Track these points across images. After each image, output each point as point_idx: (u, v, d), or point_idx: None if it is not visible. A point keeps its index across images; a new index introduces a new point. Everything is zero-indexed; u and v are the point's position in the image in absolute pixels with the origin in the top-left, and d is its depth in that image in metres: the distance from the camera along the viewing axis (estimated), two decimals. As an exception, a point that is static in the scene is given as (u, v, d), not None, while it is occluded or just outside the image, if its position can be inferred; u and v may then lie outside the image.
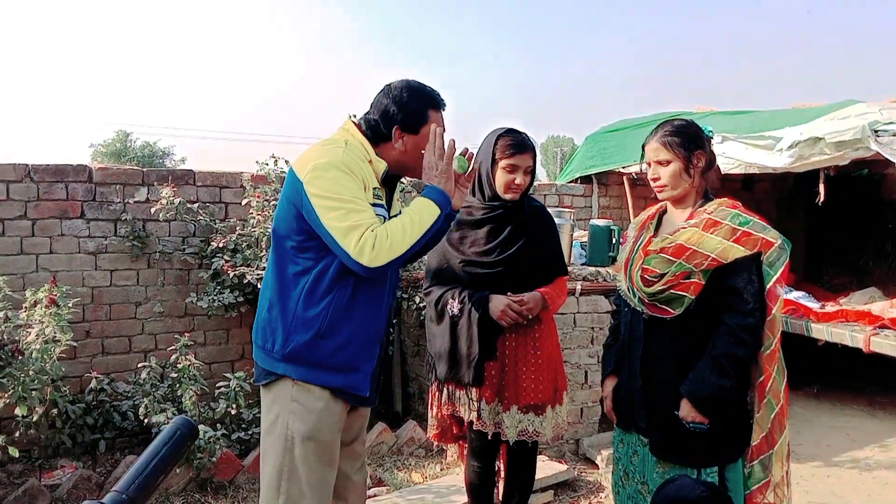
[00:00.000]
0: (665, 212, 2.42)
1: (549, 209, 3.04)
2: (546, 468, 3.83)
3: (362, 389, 2.14)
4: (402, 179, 4.93)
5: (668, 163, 2.27)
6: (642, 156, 2.39)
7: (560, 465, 3.93)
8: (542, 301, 2.71)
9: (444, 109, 2.25)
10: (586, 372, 4.37)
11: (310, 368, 2.08)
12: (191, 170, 4.55)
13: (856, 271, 6.49)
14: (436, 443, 3.14)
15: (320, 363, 2.08)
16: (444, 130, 2.20)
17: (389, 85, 2.22)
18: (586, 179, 6.49)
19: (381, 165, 2.16)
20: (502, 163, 2.67)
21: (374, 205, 2.08)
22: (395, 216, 2.33)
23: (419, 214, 2.03)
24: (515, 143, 2.67)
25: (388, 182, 2.25)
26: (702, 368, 2.16)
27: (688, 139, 2.28)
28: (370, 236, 1.95)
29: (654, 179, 2.32)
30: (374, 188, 2.12)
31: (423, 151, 2.15)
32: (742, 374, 2.19)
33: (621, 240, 2.64)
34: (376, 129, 2.18)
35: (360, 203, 2.01)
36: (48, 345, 3.45)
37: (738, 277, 2.15)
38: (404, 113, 2.15)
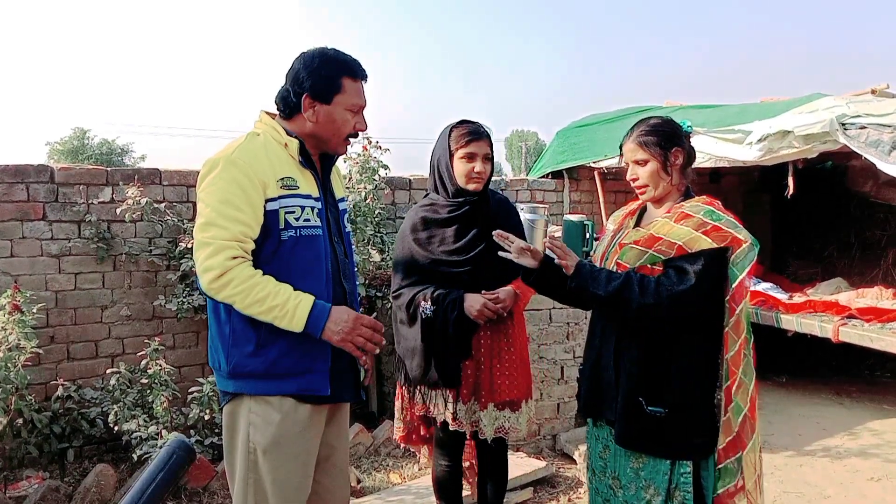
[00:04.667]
0: (646, 209, 2.42)
1: (523, 204, 3.01)
2: (524, 465, 3.82)
3: (320, 389, 2.03)
4: (378, 172, 4.96)
5: (646, 162, 2.26)
6: (621, 154, 2.38)
7: (538, 462, 3.92)
8: (514, 296, 2.69)
9: (364, 80, 2.09)
10: (562, 367, 4.37)
11: (259, 380, 1.99)
12: (157, 169, 4.43)
13: (821, 262, 6.60)
14: (402, 445, 3.09)
15: (268, 373, 1.98)
16: (363, 104, 2.06)
17: (304, 52, 2.06)
18: (557, 174, 6.49)
19: (294, 143, 2.01)
20: (459, 153, 2.65)
21: (282, 196, 1.96)
22: (342, 199, 2.23)
23: (285, 308, 1.89)
24: (470, 132, 2.67)
25: (323, 160, 2.13)
26: (602, 273, 2.15)
27: (664, 137, 2.26)
28: (234, 268, 1.86)
29: (633, 180, 2.31)
30: (284, 178, 1.97)
31: (338, 123, 2.02)
32: (621, 317, 2.16)
33: (596, 234, 2.61)
34: (287, 99, 2.03)
35: (228, 211, 1.89)
36: (12, 353, 3.33)
37: (688, 260, 2.10)
38: (314, 79, 1.99)
